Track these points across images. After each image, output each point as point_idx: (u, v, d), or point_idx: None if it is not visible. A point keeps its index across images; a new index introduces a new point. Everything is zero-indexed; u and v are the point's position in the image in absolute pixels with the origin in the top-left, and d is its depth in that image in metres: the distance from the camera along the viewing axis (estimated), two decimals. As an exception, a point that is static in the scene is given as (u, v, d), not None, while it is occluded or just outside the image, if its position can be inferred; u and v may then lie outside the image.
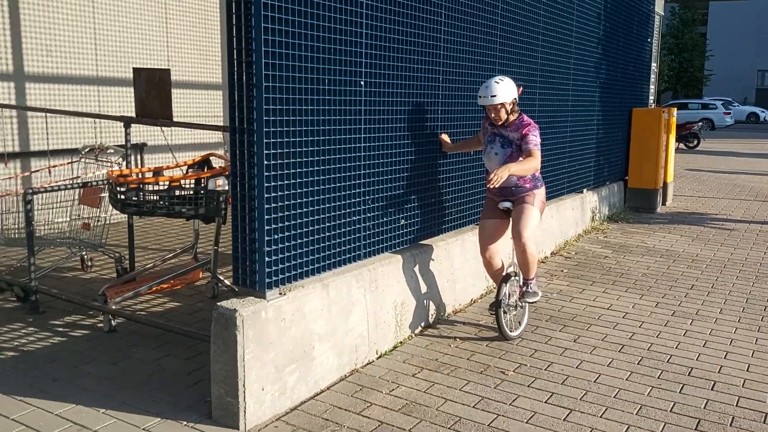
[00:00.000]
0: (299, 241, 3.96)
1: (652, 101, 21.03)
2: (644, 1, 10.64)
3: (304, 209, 3.97)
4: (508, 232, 5.02)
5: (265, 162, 3.65)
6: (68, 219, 6.03)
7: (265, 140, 3.63)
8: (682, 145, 23.50)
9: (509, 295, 5.00)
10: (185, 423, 3.60)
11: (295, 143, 3.85)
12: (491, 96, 4.72)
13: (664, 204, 10.99)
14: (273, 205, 3.73)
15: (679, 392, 4.19)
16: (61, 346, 4.48)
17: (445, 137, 5.22)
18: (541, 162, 7.13)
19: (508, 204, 4.94)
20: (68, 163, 6.83)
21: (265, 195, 3.68)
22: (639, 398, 4.10)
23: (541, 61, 6.91)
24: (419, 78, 4.92)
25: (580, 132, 8.33)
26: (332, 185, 4.17)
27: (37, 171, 7.06)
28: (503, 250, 5.16)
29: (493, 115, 4.81)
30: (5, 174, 6.96)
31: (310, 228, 4.04)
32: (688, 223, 9.56)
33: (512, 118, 4.85)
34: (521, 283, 5.03)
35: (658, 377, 4.40)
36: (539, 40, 6.79)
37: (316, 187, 4.04)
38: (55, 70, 7.49)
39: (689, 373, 4.48)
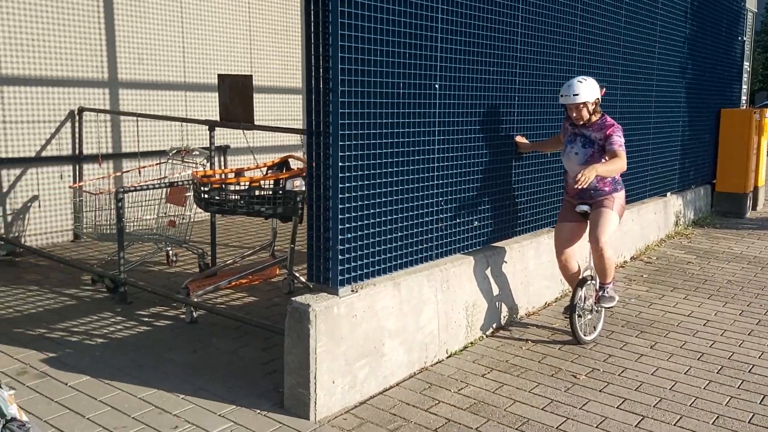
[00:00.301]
0: (372, 240, 4.04)
1: (744, 101, 20.21)
2: (735, -2, 10.25)
3: (377, 210, 4.05)
4: (585, 236, 4.96)
5: (340, 164, 3.75)
6: (155, 216, 6.32)
7: (340, 143, 3.73)
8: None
9: (584, 298, 4.93)
10: (258, 411, 3.74)
11: (370, 146, 3.93)
12: (573, 95, 4.68)
13: (754, 209, 10.54)
14: (346, 205, 3.82)
15: (759, 403, 4.05)
16: (146, 335, 4.72)
17: (521, 138, 5.20)
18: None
19: (585, 207, 4.88)
20: (157, 164, 7.16)
21: (339, 195, 3.77)
22: (716, 408, 3.98)
23: (623, 60, 6.78)
24: (495, 80, 4.92)
25: (664, 133, 8.10)
26: (405, 186, 4.23)
27: (128, 171, 7.42)
28: (579, 253, 5.09)
29: (574, 114, 4.76)
30: (100, 174, 7.35)
31: (383, 228, 4.11)
32: (780, 230, 9.15)
33: (594, 118, 4.79)
34: (597, 288, 4.95)
35: (738, 387, 4.26)
36: (621, 39, 6.66)
37: (390, 188, 4.11)
38: (146, 77, 7.86)
39: (772, 383, 4.32)
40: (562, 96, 4.76)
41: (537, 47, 5.34)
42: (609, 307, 5.11)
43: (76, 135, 7.22)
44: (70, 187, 7.06)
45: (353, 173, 3.84)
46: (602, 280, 4.89)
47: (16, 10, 6.60)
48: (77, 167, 7.26)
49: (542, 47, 5.40)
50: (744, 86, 20.39)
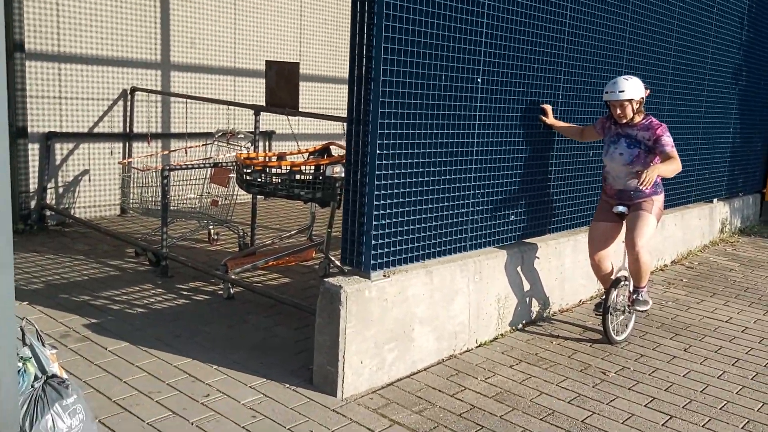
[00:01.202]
0: (406, 228, 4.09)
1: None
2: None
3: (413, 198, 4.09)
4: (620, 237, 4.92)
5: (378, 152, 3.80)
6: (199, 195, 6.46)
7: (378, 131, 3.78)
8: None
9: (617, 299, 4.90)
10: (287, 386, 3.82)
11: (408, 135, 3.97)
12: (619, 91, 4.63)
13: (804, 222, 10.27)
14: (382, 192, 3.87)
15: (793, 410, 3.99)
16: (184, 308, 4.85)
17: (548, 107, 5.01)
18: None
19: (623, 208, 4.82)
20: (203, 145, 7.31)
21: (376, 182, 3.82)
22: (747, 413, 3.93)
23: (674, 63, 6.68)
24: (539, 77, 4.91)
25: (713, 139, 7.95)
26: (442, 177, 4.26)
27: (175, 150, 7.60)
28: (613, 254, 5.05)
29: (618, 112, 4.70)
30: (148, 152, 7.54)
31: (418, 217, 4.15)
32: (830, 244, 8.91)
33: (638, 118, 4.74)
34: (631, 290, 4.91)
35: (772, 394, 4.20)
36: (672, 41, 6.57)
37: (426, 178, 4.15)
38: (198, 61, 8.02)
39: (807, 392, 4.24)
40: (606, 93, 4.71)
41: (584, 44, 5.31)
42: (642, 311, 5.05)
43: (128, 113, 7.41)
44: (119, 163, 7.26)
45: (390, 161, 3.88)
46: (637, 283, 4.84)
47: (77, -11, 6.81)
48: (127, 144, 7.46)
49: (589, 45, 5.37)
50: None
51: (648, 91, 4.85)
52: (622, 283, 4.92)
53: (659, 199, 4.82)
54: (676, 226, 7.34)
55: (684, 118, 7.13)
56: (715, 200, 8.36)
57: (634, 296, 4.87)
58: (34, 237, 6.27)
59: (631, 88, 4.64)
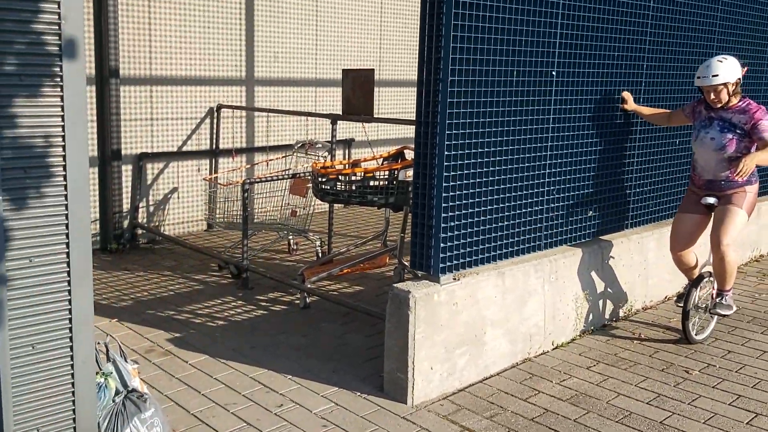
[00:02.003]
0: (476, 229, 4.07)
1: None
2: None
3: (483, 198, 4.06)
4: (707, 230, 4.65)
5: (446, 153, 3.80)
6: (279, 207, 6.64)
7: (447, 132, 3.78)
8: None
9: (699, 298, 4.67)
10: (359, 393, 3.88)
11: (477, 134, 3.94)
12: (712, 75, 4.33)
13: None
14: (450, 194, 3.87)
15: None
16: (262, 318, 5.00)
17: (627, 95, 4.86)
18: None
19: (712, 200, 4.54)
20: (283, 157, 7.50)
21: (444, 184, 3.83)
22: None
23: None
24: (619, 66, 4.76)
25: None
26: (514, 176, 4.21)
27: (258, 164, 7.83)
28: (698, 247, 4.81)
29: (712, 97, 4.42)
30: (232, 166, 7.81)
31: (489, 217, 4.12)
32: None
33: (734, 100, 4.43)
34: (715, 293, 4.63)
35: None
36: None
37: (497, 177, 4.11)
38: (280, 74, 8.25)
39: None
40: (698, 78, 4.42)
41: (670, 25, 5.07)
42: (724, 315, 4.68)
43: (214, 130, 7.71)
44: (204, 179, 7.56)
45: (459, 162, 3.87)
46: (720, 286, 4.54)
47: (168, 15, 7.14)
48: (213, 161, 7.75)
49: (676, 25, 5.12)
50: None
51: (746, 68, 4.54)
52: (706, 279, 4.69)
53: (753, 189, 4.50)
54: (774, 213, 6.93)
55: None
56: (819, 183, 7.83)
57: (718, 299, 4.56)
58: (126, 255, 6.62)
59: (726, 71, 4.34)
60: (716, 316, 4.77)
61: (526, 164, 4.27)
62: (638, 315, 5.14)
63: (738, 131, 4.39)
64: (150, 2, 6.99)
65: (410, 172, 5.21)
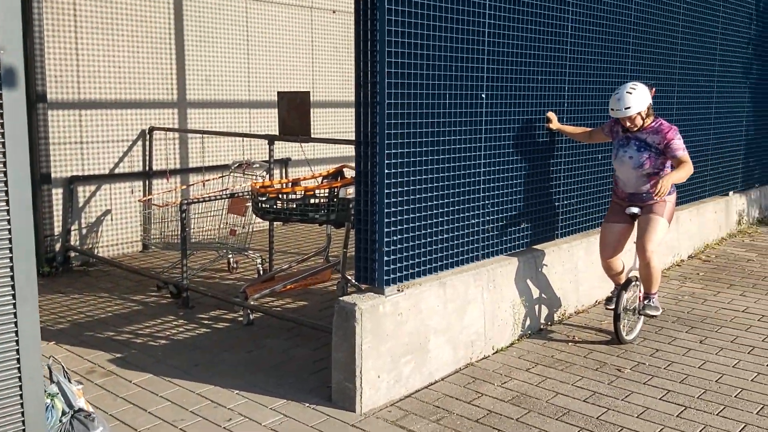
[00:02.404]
0: (418, 242, 4.20)
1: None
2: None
3: (423, 213, 4.20)
4: (632, 237, 4.93)
5: (386, 171, 3.92)
6: (218, 226, 6.64)
7: (386, 151, 3.91)
8: None
9: (628, 300, 4.91)
10: (307, 404, 3.93)
11: (415, 153, 4.09)
12: (625, 108, 4.57)
13: (826, 207, 10.17)
14: (392, 209, 3.99)
15: (810, 394, 4.00)
16: (205, 336, 4.99)
17: (552, 115, 5.09)
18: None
19: (635, 210, 4.80)
20: (219, 177, 7.50)
21: (385, 200, 3.95)
22: (762, 399, 3.96)
23: (681, 61, 6.73)
24: (544, 88, 5.01)
25: (726, 134, 7.96)
26: (451, 191, 4.37)
27: (194, 184, 7.80)
28: (624, 254, 5.08)
29: (628, 125, 4.68)
30: (167, 188, 7.75)
31: (429, 230, 4.26)
32: None
33: (648, 121, 4.70)
34: (642, 296, 4.90)
35: (789, 379, 4.21)
36: (678, 41, 6.62)
37: (435, 193, 4.26)
38: (213, 97, 8.26)
39: (825, 376, 4.25)
40: (612, 110, 4.65)
41: (587, 50, 5.37)
42: (652, 316, 4.95)
43: (147, 152, 7.64)
44: (138, 200, 7.47)
45: (399, 179, 4.00)
46: (647, 290, 4.81)
47: (94, 38, 7.06)
48: (147, 182, 7.68)
49: (593, 50, 5.42)
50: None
51: (654, 90, 4.84)
52: (633, 283, 4.94)
53: (671, 199, 4.79)
54: (692, 221, 7.34)
55: (695, 115, 7.17)
56: (730, 193, 8.34)
57: (645, 302, 4.84)
58: (59, 278, 6.48)
59: (636, 101, 4.57)
60: (643, 317, 5.02)
61: (462, 180, 4.44)
62: (572, 319, 5.36)
63: (653, 150, 4.66)
64: (76, 26, 6.92)
65: (350, 190, 5.31)
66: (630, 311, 4.94)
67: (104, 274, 6.65)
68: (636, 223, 4.85)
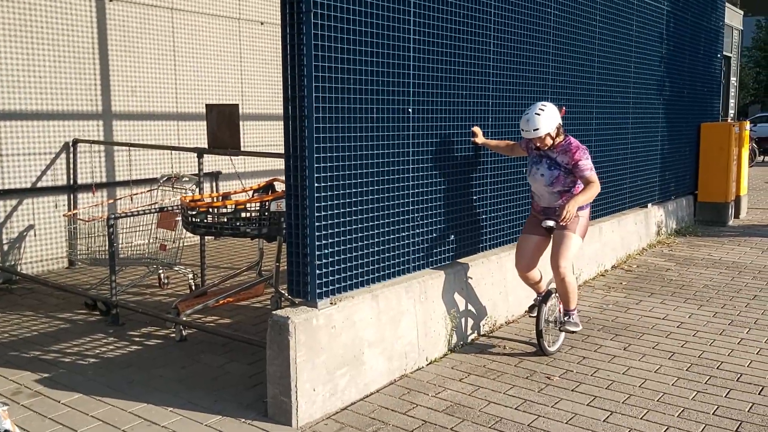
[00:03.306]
0: (349, 255, 4.24)
1: (732, 114, 20.50)
2: (712, 19, 10.55)
3: (354, 226, 4.25)
4: (548, 250, 5.01)
5: (316, 184, 3.96)
6: (147, 241, 6.52)
7: (315, 165, 3.95)
8: (767, 158, 22.79)
9: (549, 313, 5.00)
10: (243, 420, 3.91)
11: (344, 167, 4.14)
12: (534, 129, 4.68)
13: (737, 217, 10.75)
14: (323, 222, 4.03)
15: (725, 396, 4.22)
16: (136, 354, 4.90)
17: (478, 129, 5.19)
18: (600, 178, 7.23)
19: (551, 222, 4.87)
20: (148, 191, 7.38)
21: (316, 214, 3.98)
22: (682, 402, 4.16)
23: (598, 78, 7.03)
24: (469, 104, 5.14)
25: (643, 148, 8.34)
26: (380, 204, 4.44)
27: (121, 198, 7.64)
28: (540, 264, 5.14)
29: (539, 144, 4.79)
30: (93, 202, 7.57)
31: (360, 243, 4.32)
32: (760, 236, 9.35)
33: (558, 140, 4.81)
34: (562, 314, 4.94)
35: (705, 383, 4.44)
36: (595, 60, 6.92)
37: (365, 206, 4.32)
38: (139, 108, 8.12)
39: (738, 378, 4.49)
40: (523, 130, 4.76)
41: (510, 70, 5.58)
42: (572, 332, 5.02)
43: (71, 165, 7.44)
44: (64, 215, 7.27)
45: (329, 192, 4.05)
46: (566, 306, 4.90)
47: (12, 46, 6.86)
48: (71, 196, 7.48)
49: (514, 66, 5.64)
50: (732, 100, 20.75)
51: (564, 110, 4.97)
52: (553, 295, 5.05)
53: (584, 215, 4.90)
54: (614, 232, 7.64)
55: (613, 130, 7.48)
56: (649, 205, 8.73)
57: (566, 318, 4.91)
58: (-20, 297, 6.24)
59: (545, 122, 4.67)
60: (564, 334, 5.12)
61: (391, 193, 4.52)
62: (503, 329, 5.50)
63: (563, 169, 4.79)
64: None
65: (282, 204, 5.32)
66: (551, 323, 5.04)
67: (29, 292, 6.44)
68: (552, 236, 4.94)
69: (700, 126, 10.32)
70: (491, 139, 5.39)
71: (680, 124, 9.58)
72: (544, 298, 5.01)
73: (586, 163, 4.73)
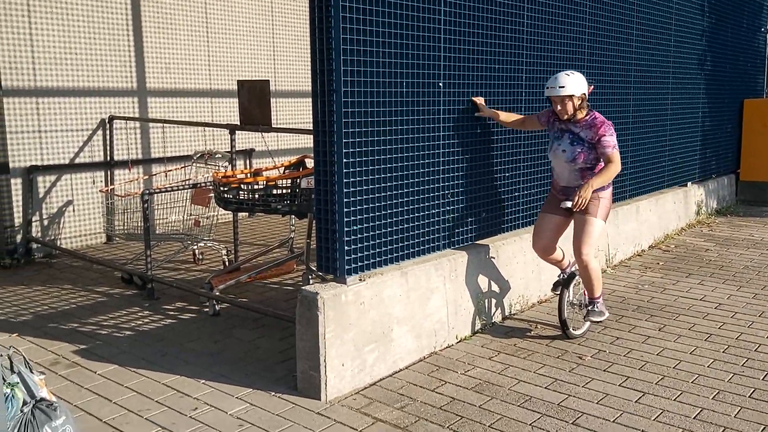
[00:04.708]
0: (379, 232, 4.23)
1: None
2: (755, -11, 10.23)
3: (384, 203, 4.23)
4: (568, 230, 4.83)
5: (344, 160, 3.94)
6: (181, 217, 6.59)
7: (344, 140, 3.93)
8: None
9: (573, 296, 4.91)
10: (273, 393, 3.95)
11: (374, 142, 4.11)
12: (559, 87, 4.51)
13: (780, 197, 10.48)
14: (352, 199, 4.01)
15: (762, 379, 4.13)
16: (171, 327, 4.97)
17: (479, 99, 4.90)
18: (638, 156, 7.09)
19: (570, 204, 4.63)
20: (182, 168, 7.44)
21: (344, 190, 3.97)
22: (718, 384, 4.08)
23: (636, 52, 6.86)
24: (500, 77, 5.05)
25: (682, 124, 8.14)
26: (410, 180, 4.40)
27: (156, 175, 7.73)
28: (559, 244, 4.93)
29: (558, 108, 4.59)
30: (129, 178, 7.67)
31: (389, 220, 4.29)
32: (805, 217, 9.10)
33: (581, 114, 4.62)
34: (586, 302, 4.82)
35: (742, 365, 4.34)
36: (633, 33, 6.75)
37: (394, 183, 4.28)
38: (173, 85, 8.17)
39: (776, 361, 4.40)
40: (547, 88, 4.61)
41: (544, 43, 5.45)
42: (597, 322, 4.90)
43: (107, 142, 7.54)
44: (100, 191, 7.38)
45: (358, 168, 4.02)
46: (590, 294, 4.76)
47: (50, 25, 6.94)
48: (108, 172, 7.59)
49: (551, 43, 5.51)
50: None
51: (592, 87, 4.77)
52: (577, 277, 4.89)
53: (606, 195, 4.69)
54: (652, 212, 7.50)
55: (651, 106, 7.31)
56: (689, 184, 8.54)
57: (590, 308, 4.77)
58: (21, 270, 6.39)
59: (572, 84, 4.52)
60: (589, 322, 4.92)
61: (421, 169, 4.47)
62: (534, 308, 5.45)
63: (586, 144, 4.59)
64: (29, 11, 6.80)
65: (312, 180, 5.32)
66: (576, 304, 4.93)
67: (67, 266, 6.57)
68: (573, 220, 4.75)
69: (743, 102, 10.03)
70: (500, 111, 5.18)
71: (722, 100, 9.33)
72: (566, 281, 4.88)
73: (610, 140, 4.54)
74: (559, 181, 4.84)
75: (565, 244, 4.98)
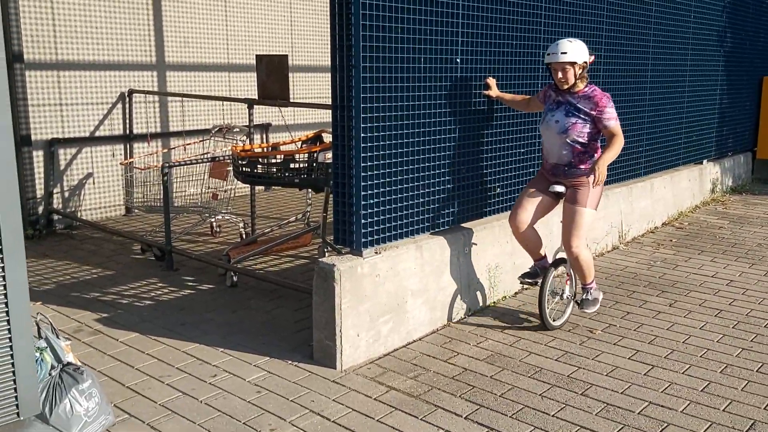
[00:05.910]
0: (395, 206, 4.30)
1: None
2: (777, -37, 10.08)
3: (400, 177, 4.29)
4: (550, 213, 4.69)
5: (362, 134, 4.01)
6: (200, 190, 6.70)
7: (362, 115, 3.99)
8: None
9: (554, 282, 4.66)
10: (290, 362, 4.06)
11: (391, 117, 4.16)
12: (561, 53, 4.29)
13: (797, 176, 10.43)
14: (369, 173, 4.08)
15: (770, 354, 4.19)
16: (189, 298, 5.09)
17: (491, 81, 4.84)
18: (654, 132, 7.07)
19: (560, 188, 4.48)
20: (200, 141, 7.53)
21: (362, 164, 4.03)
22: (726, 358, 4.14)
23: (655, 29, 6.83)
24: (517, 53, 5.08)
25: (699, 101, 8.11)
26: (426, 155, 4.46)
27: (174, 148, 7.83)
28: (537, 224, 4.71)
29: (560, 76, 4.36)
30: (148, 151, 7.77)
31: (405, 194, 4.36)
32: (822, 196, 9.07)
33: (581, 85, 4.41)
34: (581, 288, 4.65)
35: (751, 340, 4.40)
36: (652, 9, 6.71)
37: (411, 157, 4.35)
38: (192, 59, 8.24)
39: (785, 337, 4.45)
40: (548, 54, 4.38)
41: (562, 19, 5.45)
42: (591, 312, 4.79)
43: (127, 115, 7.64)
44: (120, 163, 7.50)
45: (375, 143, 4.08)
46: (583, 281, 4.58)
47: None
48: (128, 145, 7.70)
49: (568, 19, 5.51)
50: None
51: (593, 57, 4.59)
52: (562, 266, 4.71)
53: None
54: (666, 189, 7.51)
55: (668, 82, 7.29)
56: (705, 161, 8.52)
57: (584, 295, 4.61)
58: (43, 241, 6.53)
59: (575, 51, 4.31)
60: (572, 305, 4.77)
61: (438, 144, 4.53)
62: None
63: (582, 116, 4.38)
64: (52, -16, 6.87)
65: (329, 154, 5.39)
66: (557, 294, 4.72)
67: (88, 237, 6.71)
68: (562, 210, 4.55)
69: (763, 79, 9.95)
70: (516, 93, 5.14)
71: (741, 77, 9.26)
72: (554, 263, 4.64)
73: (612, 112, 4.34)
74: (548, 158, 4.57)
75: (548, 235, 5.00)
